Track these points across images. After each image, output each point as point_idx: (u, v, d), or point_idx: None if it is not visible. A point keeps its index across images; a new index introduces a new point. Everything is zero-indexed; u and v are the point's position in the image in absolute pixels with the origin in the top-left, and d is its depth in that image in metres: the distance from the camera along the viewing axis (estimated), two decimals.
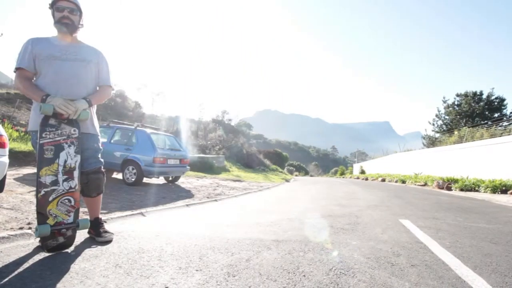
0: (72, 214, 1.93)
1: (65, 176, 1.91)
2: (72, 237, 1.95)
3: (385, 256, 2.00)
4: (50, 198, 1.85)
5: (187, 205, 4.57)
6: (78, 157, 1.99)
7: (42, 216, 1.83)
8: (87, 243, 2.09)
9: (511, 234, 2.90)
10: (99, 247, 2.01)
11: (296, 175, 38.43)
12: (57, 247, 1.87)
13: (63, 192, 1.90)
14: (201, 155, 14.69)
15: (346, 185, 11.75)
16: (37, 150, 1.89)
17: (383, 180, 18.89)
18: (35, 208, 3.47)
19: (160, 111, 34.25)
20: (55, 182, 1.87)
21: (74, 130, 1.97)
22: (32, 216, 3.04)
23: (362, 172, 32.22)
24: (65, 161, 1.92)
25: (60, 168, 1.90)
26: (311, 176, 47.22)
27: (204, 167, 12.70)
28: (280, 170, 25.36)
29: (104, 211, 3.65)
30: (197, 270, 1.63)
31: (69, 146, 1.95)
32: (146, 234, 2.48)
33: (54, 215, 1.86)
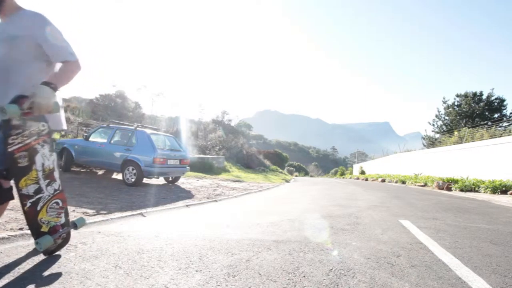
0: (62, 215, 1.82)
1: (47, 180, 1.73)
2: (68, 237, 1.91)
3: (385, 256, 2.00)
4: (38, 208, 1.69)
5: (187, 205, 4.58)
6: (54, 155, 1.78)
7: (35, 228, 1.69)
8: (87, 244, 2.09)
9: (511, 234, 2.90)
10: (99, 247, 2.01)
11: (296, 176, 38.41)
12: (57, 249, 1.85)
13: (49, 197, 1.74)
14: (201, 155, 14.68)
15: (346, 186, 11.75)
16: (7, 161, 1.57)
17: (383, 181, 18.88)
18: None
19: (160, 112, 34.26)
20: (38, 190, 1.68)
21: (43, 125, 1.69)
22: None
23: (362, 172, 32.21)
24: (43, 164, 1.69)
25: (40, 174, 1.68)
26: (311, 176, 47.22)
27: (204, 167, 12.70)
28: (280, 170, 25.36)
29: (104, 212, 3.66)
30: (197, 271, 1.63)
31: (42, 146, 1.69)
32: (146, 235, 2.48)
33: (47, 222, 1.73)
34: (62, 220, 1.82)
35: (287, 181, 16.09)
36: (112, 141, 7.18)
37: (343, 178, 34.18)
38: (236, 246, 2.14)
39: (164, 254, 1.90)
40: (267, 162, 24.62)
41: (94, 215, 3.49)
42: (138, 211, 3.74)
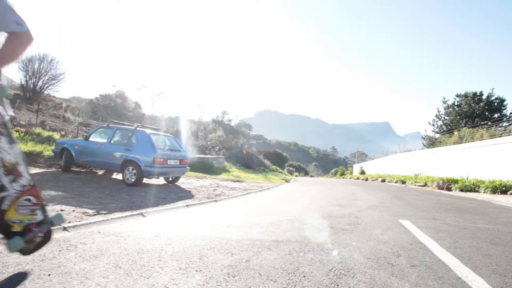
0: (38, 212, 1.67)
1: (11, 177, 1.56)
2: (49, 234, 1.76)
3: (385, 256, 2.00)
4: (4, 207, 1.55)
5: (187, 205, 4.58)
6: (16, 147, 1.59)
7: (4, 228, 1.56)
8: (87, 244, 2.09)
9: (511, 234, 2.90)
10: (99, 247, 2.01)
11: (296, 176, 38.41)
12: (36, 248, 1.71)
13: (17, 195, 1.59)
14: (201, 155, 14.69)
15: (346, 186, 11.75)
16: None
17: (383, 181, 18.88)
18: None
19: (160, 112, 34.26)
20: (1, 188, 1.53)
21: None
22: None
23: (362, 172, 32.21)
24: (2, 160, 1.52)
25: (0, 170, 1.52)
26: (311, 176, 47.21)
27: (204, 167, 12.70)
28: (280, 170, 25.36)
29: (104, 212, 3.66)
30: (197, 271, 1.63)
31: None
32: (146, 235, 2.48)
33: (19, 221, 1.59)
34: (39, 217, 1.67)
35: (287, 181, 16.09)
36: (112, 141, 7.18)
37: (343, 178, 34.17)
38: (236, 246, 2.14)
39: (164, 254, 1.90)
40: (267, 162, 24.63)
41: (94, 215, 3.48)
42: (138, 211, 3.74)
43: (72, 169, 7.92)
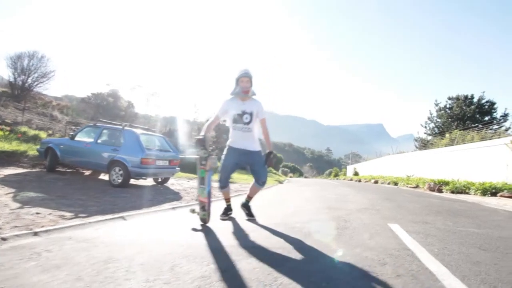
0: None
1: None
2: None
3: (370, 265, 1.89)
4: None
5: (173, 208, 4.43)
6: None
7: None
8: (52, 252, 1.94)
9: (500, 239, 2.84)
10: (64, 255, 1.87)
11: (290, 177, 38.40)
12: None
13: None
14: (194, 156, 14.49)
15: (338, 187, 11.70)
16: None
17: (376, 182, 18.94)
18: (8, 211, 3.30)
19: (154, 112, 33.89)
20: None
21: None
22: (3, 220, 2.87)
23: (356, 174, 32.35)
24: None
25: None
26: (305, 177, 47.28)
27: (196, 168, 12.53)
28: (274, 171, 25.28)
29: (83, 215, 3.49)
30: (165, 283, 1.50)
31: None
32: (121, 241, 2.34)
33: None
34: None
35: (280, 182, 16.01)
36: (99, 141, 6.99)
37: (337, 179, 34.28)
38: (215, 254, 2.01)
39: (133, 264, 1.76)
40: None
41: (72, 218, 3.32)
42: (120, 214, 3.59)
43: (57, 169, 7.69)
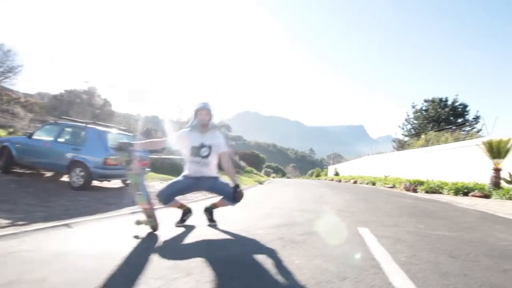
0: None
1: None
2: None
3: (328, 280, 1.66)
4: None
5: (132, 212, 4.05)
6: None
7: None
8: None
9: (470, 244, 2.72)
10: None
11: (273, 177, 38.36)
12: None
13: None
14: (170, 156, 13.98)
15: (318, 188, 11.62)
16: None
17: (355, 182, 19.15)
18: None
19: (136, 111, 32.72)
20: None
21: None
22: None
23: (336, 174, 32.77)
24: None
25: None
26: (288, 178, 47.45)
27: (172, 168, 12.04)
28: (256, 172, 25.07)
29: (22, 222, 3.07)
30: None
31: None
32: (46, 255, 1.97)
33: None
34: None
35: (260, 182, 15.78)
36: (59, 140, 6.44)
37: (319, 179, 34.59)
38: (149, 272, 1.70)
39: None
40: (243, 164, 24.21)
41: (7, 226, 2.90)
42: (66, 221, 3.19)
43: (14, 170, 7.04)
